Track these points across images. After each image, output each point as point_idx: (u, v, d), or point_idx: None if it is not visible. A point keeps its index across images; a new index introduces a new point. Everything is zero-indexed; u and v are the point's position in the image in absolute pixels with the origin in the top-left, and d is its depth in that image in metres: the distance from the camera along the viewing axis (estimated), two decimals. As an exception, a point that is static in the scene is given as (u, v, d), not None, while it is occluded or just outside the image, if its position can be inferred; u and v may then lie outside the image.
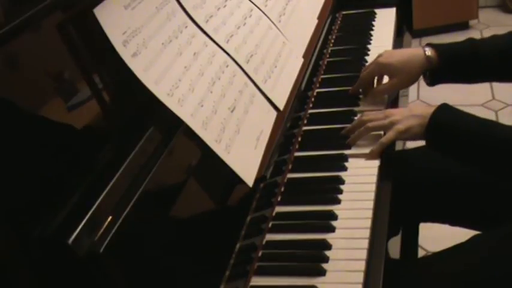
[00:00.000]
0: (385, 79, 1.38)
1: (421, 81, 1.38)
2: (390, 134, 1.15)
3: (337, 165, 1.15)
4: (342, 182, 1.11)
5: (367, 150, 1.17)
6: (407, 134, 1.15)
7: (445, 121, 1.11)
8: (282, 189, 1.11)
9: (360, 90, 1.38)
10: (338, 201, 1.06)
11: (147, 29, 0.94)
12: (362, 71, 1.39)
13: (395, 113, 1.18)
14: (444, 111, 1.13)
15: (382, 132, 1.19)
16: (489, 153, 1.09)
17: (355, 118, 1.28)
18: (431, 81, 1.36)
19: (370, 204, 1.04)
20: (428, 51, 1.31)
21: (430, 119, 1.11)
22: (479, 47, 1.30)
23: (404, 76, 1.32)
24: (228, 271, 0.88)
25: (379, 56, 1.36)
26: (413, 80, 1.34)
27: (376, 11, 1.79)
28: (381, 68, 1.34)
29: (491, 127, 1.10)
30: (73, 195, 0.72)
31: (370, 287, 0.90)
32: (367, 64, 1.47)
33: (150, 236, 0.78)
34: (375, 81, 1.39)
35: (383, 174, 1.13)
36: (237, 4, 1.24)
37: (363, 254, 0.94)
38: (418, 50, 1.32)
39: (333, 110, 1.34)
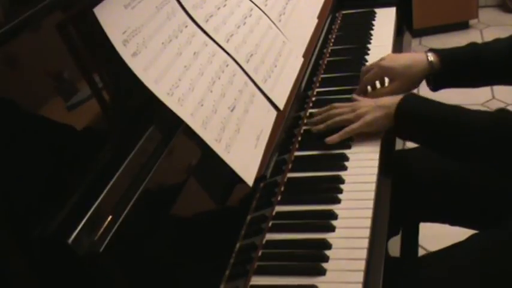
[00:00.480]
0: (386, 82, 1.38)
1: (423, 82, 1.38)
2: (356, 125, 1.19)
3: (337, 164, 1.15)
4: (342, 181, 1.11)
5: (366, 150, 1.17)
6: (374, 126, 1.18)
7: (411, 109, 1.15)
8: (282, 188, 1.11)
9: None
10: (338, 201, 1.06)
11: (147, 28, 0.94)
12: (362, 72, 1.38)
13: (362, 106, 1.21)
14: (410, 99, 1.16)
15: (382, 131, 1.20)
16: (454, 138, 1.12)
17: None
18: (434, 87, 1.36)
19: (370, 204, 1.04)
20: (431, 56, 1.31)
21: (396, 108, 1.15)
22: (481, 51, 1.30)
23: (406, 80, 1.32)
24: (228, 270, 0.88)
25: (382, 59, 1.36)
26: (415, 85, 1.34)
27: (376, 10, 1.79)
28: (384, 71, 1.34)
29: (456, 112, 1.12)
30: (73, 195, 0.72)
31: (370, 286, 0.90)
32: (367, 64, 1.47)
33: (150, 235, 0.78)
34: (377, 84, 1.39)
35: (383, 174, 1.13)
36: (237, 3, 1.24)
37: (363, 254, 0.94)
38: (421, 55, 1.32)
39: (333, 109, 1.34)
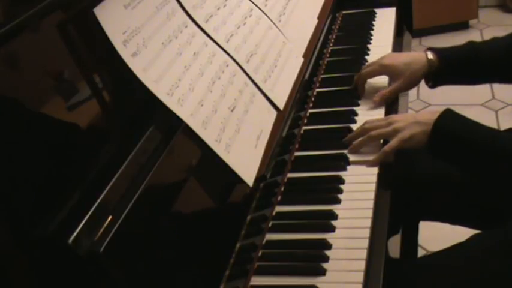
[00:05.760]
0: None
1: (421, 82, 1.39)
2: (394, 142, 1.13)
3: (337, 165, 1.15)
4: (342, 181, 1.11)
5: (367, 156, 1.16)
6: (412, 142, 1.12)
7: (449, 129, 1.10)
8: (282, 188, 1.11)
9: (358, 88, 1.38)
10: (338, 201, 1.06)
11: (147, 28, 0.94)
12: (363, 69, 1.38)
13: (399, 120, 1.16)
14: (447, 118, 1.11)
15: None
16: (492, 163, 1.08)
17: (355, 118, 1.28)
18: (433, 84, 1.37)
19: (370, 204, 1.04)
20: (430, 55, 1.32)
21: (433, 126, 1.10)
22: (479, 49, 1.31)
23: (407, 78, 1.32)
24: (228, 270, 0.88)
25: (382, 58, 1.36)
26: (415, 83, 1.34)
27: (376, 10, 1.79)
28: (384, 68, 1.35)
29: (494, 136, 1.09)
30: (73, 195, 0.72)
31: (370, 286, 0.90)
32: (367, 63, 1.47)
33: (150, 235, 0.78)
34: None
35: (383, 174, 1.13)
36: (237, 4, 1.24)
37: (363, 254, 0.94)
38: (420, 54, 1.33)
39: (333, 109, 1.34)
